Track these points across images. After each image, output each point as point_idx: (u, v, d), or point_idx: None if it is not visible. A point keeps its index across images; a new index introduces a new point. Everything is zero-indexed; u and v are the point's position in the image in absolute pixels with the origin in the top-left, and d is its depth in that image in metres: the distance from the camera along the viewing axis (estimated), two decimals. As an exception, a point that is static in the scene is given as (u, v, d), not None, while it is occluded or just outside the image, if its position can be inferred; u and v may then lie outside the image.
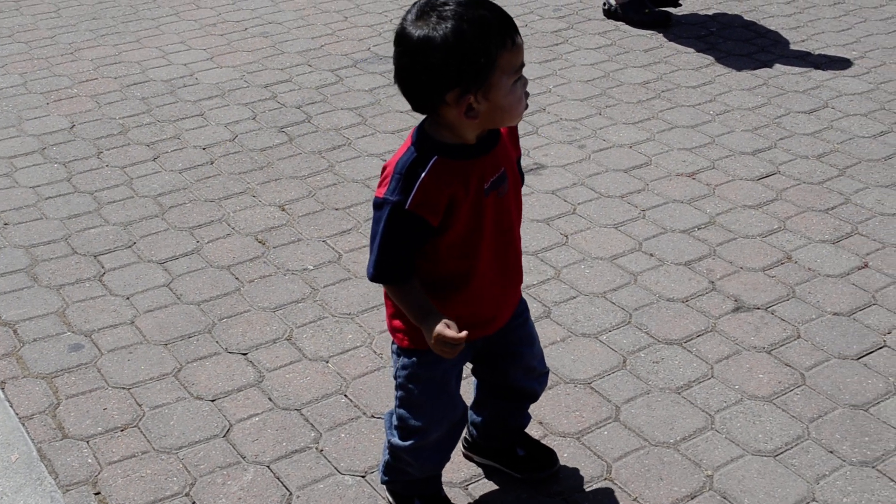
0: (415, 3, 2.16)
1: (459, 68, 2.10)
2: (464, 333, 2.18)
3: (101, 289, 3.58)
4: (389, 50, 5.42)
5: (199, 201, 4.11)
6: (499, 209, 2.29)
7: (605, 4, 5.86)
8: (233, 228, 3.92)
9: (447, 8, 2.10)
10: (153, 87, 5.14)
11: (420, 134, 2.23)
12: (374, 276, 2.27)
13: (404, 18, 2.15)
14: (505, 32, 2.12)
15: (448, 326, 2.19)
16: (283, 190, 4.17)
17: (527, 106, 2.22)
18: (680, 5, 5.98)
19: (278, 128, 4.69)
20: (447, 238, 2.26)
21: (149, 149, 4.53)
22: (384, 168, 2.24)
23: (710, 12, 5.92)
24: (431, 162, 2.18)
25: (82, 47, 5.65)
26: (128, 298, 3.52)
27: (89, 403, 3.05)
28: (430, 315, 2.23)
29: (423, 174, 2.17)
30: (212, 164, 4.40)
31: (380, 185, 2.23)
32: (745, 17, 5.82)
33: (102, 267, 3.70)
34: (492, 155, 2.26)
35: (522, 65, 2.17)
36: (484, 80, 2.11)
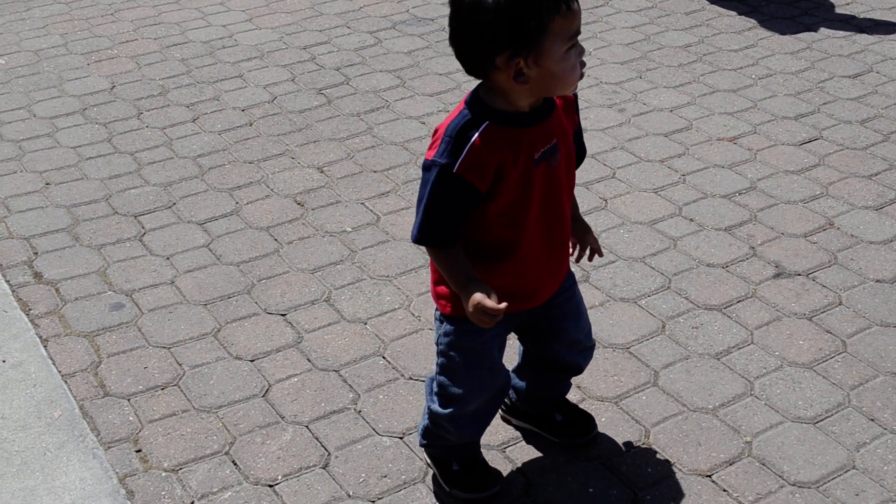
0: None
1: (509, 31, 2.08)
2: (503, 304, 2.18)
3: (141, 249, 3.60)
4: (429, 11, 5.41)
5: (238, 163, 4.12)
6: (549, 181, 2.27)
7: None
8: (272, 190, 3.92)
9: None
10: (192, 48, 5.15)
11: (474, 98, 2.22)
12: (418, 238, 2.26)
13: None
14: None
15: (487, 296, 2.19)
16: (322, 152, 4.17)
17: (582, 75, 2.18)
18: None
19: (317, 90, 4.68)
20: (495, 206, 2.24)
21: (188, 110, 4.54)
22: (436, 130, 2.23)
23: (754, -25, 5.84)
24: (483, 127, 2.17)
25: (122, 8, 5.66)
26: (168, 258, 3.54)
27: (130, 362, 3.08)
28: (471, 283, 2.23)
29: (473, 138, 2.16)
30: (251, 125, 4.40)
31: (430, 147, 2.22)
32: (789, -20, 5.74)
33: (143, 227, 3.72)
34: (545, 125, 2.24)
35: (578, 31, 2.13)
36: (535, 45, 2.09)
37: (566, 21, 2.10)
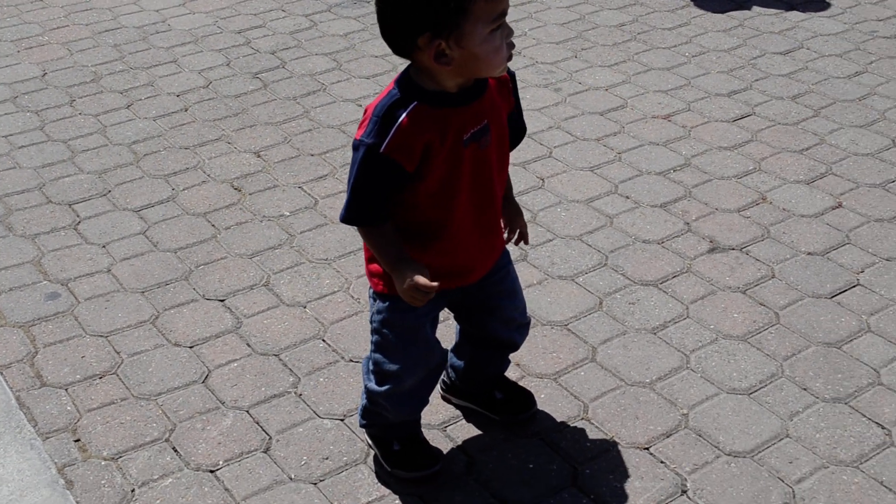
0: None
1: (429, 12, 2.08)
2: (436, 283, 2.20)
3: (76, 237, 3.57)
4: (363, -6, 5.40)
5: (173, 149, 4.09)
6: (478, 161, 2.28)
7: None
8: (208, 175, 3.90)
9: None
10: (125, 33, 5.09)
11: (404, 78, 2.22)
12: (346, 217, 2.27)
13: None
14: None
15: (421, 274, 2.20)
16: (259, 136, 4.15)
17: (510, 57, 2.18)
18: None
19: (252, 74, 4.66)
20: (424, 186, 2.25)
21: (122, 96, 4.50)
22: (365, 110, 2.23)
23: (686, -47, 5.89)
24: (411, 107, 2.17)
25: (52, -6, 5.58)
26: (104, 247, 3.51)
27: (67, 351, 3.05)
28: (401, 261, 2.25)
29: (401, 118, 2.17)
30: (186, 111, 4.37)
31: (359, 127, 2.22)
32: (721, -42, 5.79)
33: (77, 215, 3.68)
34: (474, 106, 2.24)
35: (504, 13, 2.13)
36: (455, 27, 2.09)
37: (489, 3, 2.09)
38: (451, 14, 2.08)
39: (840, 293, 3.21)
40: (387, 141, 2.16)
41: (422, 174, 2.23)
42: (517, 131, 2.42)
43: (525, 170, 3.84)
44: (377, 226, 2.27)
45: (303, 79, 4.60)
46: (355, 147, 2.21)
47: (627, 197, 3.70)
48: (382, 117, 2.17)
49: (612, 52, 4.77)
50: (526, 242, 2.58)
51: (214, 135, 4.18)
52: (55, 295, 3.29)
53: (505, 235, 2.54)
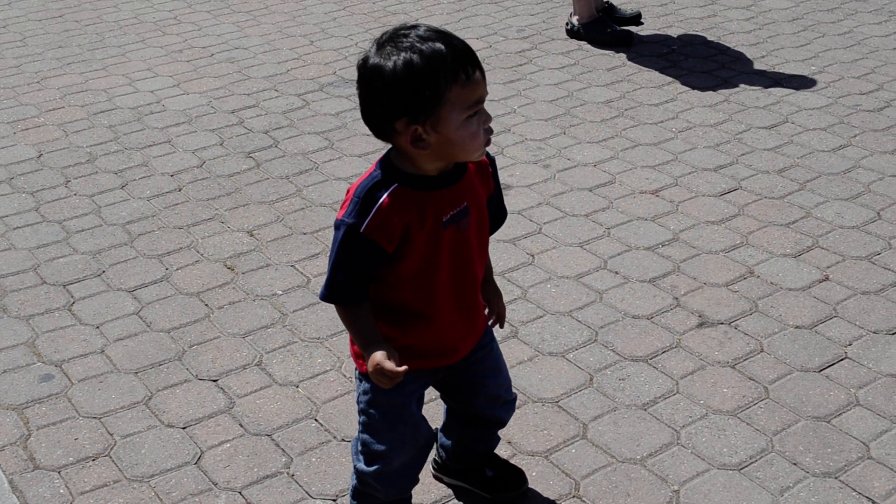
0: (382, 33, 2.22)
1: (406, 98, 2.14)
2: (403, 368, 2.22)
3: (70, 318, 3.59)
4: (355, 74, 5.47)
5: (167, 228, 4.13)
6: (458, 243, 2.32)
7: (567, 24, 5.93)
8: (202, 255, 3.94)
9: (405, 39, 2.15)
10: (120, 114, 5.16)
11: (384, 160, 2.28)
12: (325, 295, 2.31)
13: (369, 48, 2.21)
14: (459, 66, 2.14)
15: (388, 357, 2.23)
16: (252, 215, 4.20)
17: (488, 142, 2.24)
18: (642, 24, 6.07)
19: (245, 153, 4.72)
20: (404, 267, 2.29)
21: (117, 176, 4.55)
22: (348, 190, 2.29)
23: (671, 30, 6.00)
24: (391, 189, 2.22)
25: (49, 76, 5.66)
26: (97, 327, 3.54)
27: (60, 434, 3.07)
28: (373, 343, 2.28)
29: (381, 199, 2.21)
30: (180, 190, 4.42)
31: (341, 207, 2.27)
32: (706, 34, 5.90)
33: (72, 296, 3.71)
34: (453, 189, 2.29)
35: (480, 100, 2.18)
36: (431, 112, 2.14)
37: (465, 90, 2.15)
38: (427, 100, 2.13)
39: (828, 367, 3.23)
40: (367, 221, 2.21)
41: (401, 255, 2.27)
42: (498, 216, 2.47)
43: (515, 246, 3.89)
44: (354, 305, 2.31)
45: (295, 158, 4.66)
46: (336, 226, 2.26)
47: (616, 272, 3.74)
48: (363, 198, 2.23)
49: (600, 128, 4.84)
50: (501, 326, 2.61)
51: (208, 214, 4.22)
52: (49, 377, 3.31)
53: (489, 318, 2.58)
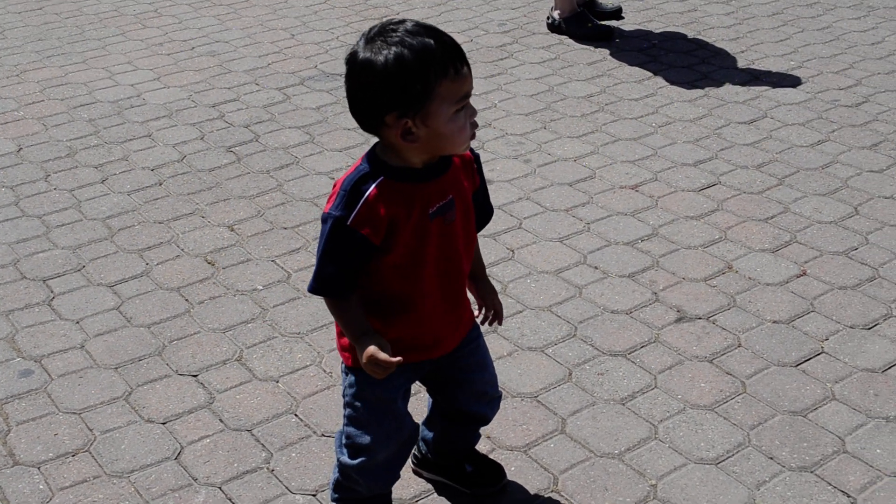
0: (370, 28, 2.24)
1: (396, 93, 2.16)
2: (397, 358, 2.25)
3: (50, 313, 3.59)
4: (336, 67, 5.49)
5: (148, 223, 4.13)
6: (445, 235, 2.34)
7: (548, 18, 5.94)
8: (182, 250, 3.94)
9: (394, 34, 2.17)
10: (100, 108, 5.15)
11: (371, 154, 2.30)
12: (314, 287, 2.32)
13: (357, 42, 2.23)
14: (448, 61, 2.17)
15: (381, 348, 2.25)
16: (232, 210, 4.20)
17: (473, 136, 2.26)
18: (623, 18, 6.09)
19: (226, 147, 4.72)
20: (390, 259, 2.31)
21: (97, 171, 4.54)
22: (334, 185, 2.30)
23: (652, 25, 6.02)
24: (377, 181, 2.24)
25: (28, 69, 5.65)
26: (77, 322, 3.54)
27: (40, 429, 3.06)
28: (365, 334, 2.29)
29: (367, 192, 2.23)
30: (160, 185, 4.42)
31: (328, 201, 2.29)
32: (686, 29, 5.92)
33: (52, 291, 3.71)
34: (439, 181, 2.31)
35: (468, 94, 2.22)
36: (421, 106, 2.17)
37: (454, 84, 2.18)
38: (418, 94, 2.16)
39: (805, 361, 3.26)
40: (353, 214, 2.23)
41: (388, 247, 2.29)
42: (484, 213, 2.49)
43: (495, 241, 3.90)
44: (343, 298, 2.32)
45: (276, 152, 4.66)
46: (323, 220, 2.28)
47: (596, 267, 3.76)
48: (350, 191, 2.24)
49: (581, 123, 4.86)
50: (500, 323, 2.62)
51: (188, 209, 4.22)
52: (28, 372, 3.30)
53: (479, 315, 2.59)
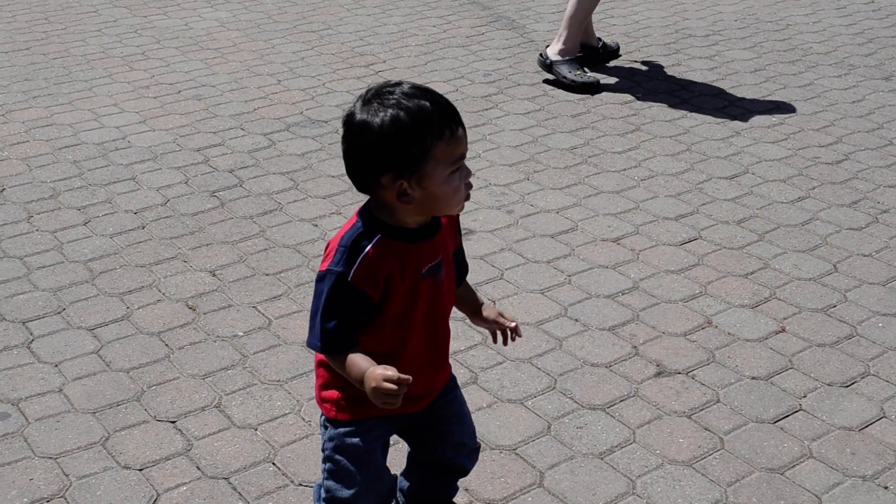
0: (367, 89, 2.28)
1: (393, 155, 2.19)
2: (407, 377, 2.21)
3: (29, 356, 3.57)
4: (322, 114, 5.52)
5: (129, 266, 4.12)
6: (434, 295, 2.37)
7: (542, 55, 5.98)
8: (163, 294, 3.94)
9: (391, 97, 2.22)
10: (85, 150, 5.15)
11: (365, 211, 2.33)
12: (318, 347, 2.32)
13: (354, 104, 2.27)
14: (444, 123, 2.21)
15: (387, 369, 2.23)
16: (215, 255, 4.20)
17: (468, 197, 2.29)
18: (619, 56, 6.22)
19: (210, 192, 4.72)
20: (384, 318, 2.33)
21: (80, 213, 4.54)
22: (328, 245, 2.33)
23: (636, 78, 6.08)
24: (375, 239, 2.28)
25: (14, 109, 5.65)
26: (56, 366, 3.52)
27: (15, 474, 3.04)
28: (370, 367, 2.27)
29: (367, 249, 2.26)
30: (143, 228, 4.42)
31: (324, 259, 2.31)
32: (670, 84, 5.98)
33: (31, 334, 3.69)
34: (431, 242, 2.35)
35: (462, 155, 2.25)
36: (417, 169, 2.20)
37: (449, 147, 2.21)
38: (414, 157, 2.19)
39: (783, 418, 3.27)
40: (354, 269, 2.26)
41: (383, 305, 2.30)
42: (462, 269, 2.52)
43: (477, 291, 3.90)
44: (348, 353, 2.31)
45: (260, 198, 4.67)
46: (321, 278, 2.29)
47: (576, 320, 3.77)
48: (350, 247, 2.27)
49: (564, 174, 4.89)
50: (519, 335, 2.61)
51: (171, 253, 4.22)
52: (5, 415, 3.28)
53: (500, 338, 2.59)
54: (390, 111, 2.19)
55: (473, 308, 2.59)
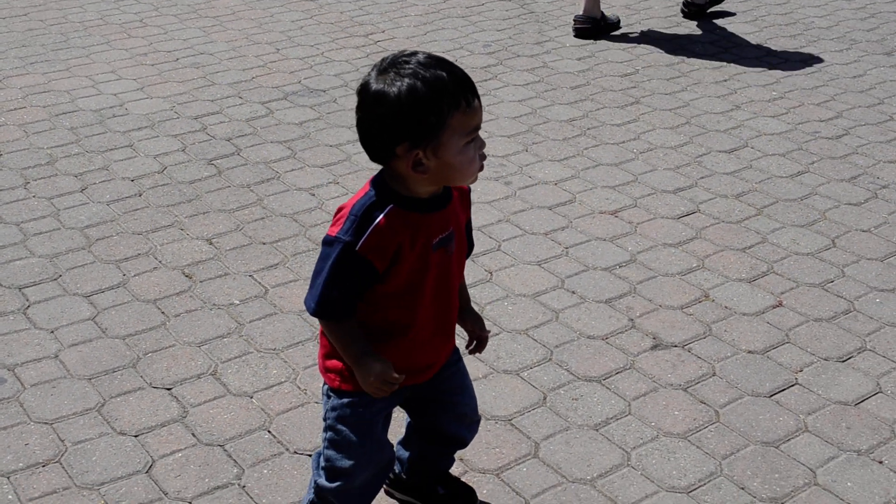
0: (382, 59, 2.26)
1: (409, 124, 2.18)
2: (402, 376, 2.30)
3: (25, 322, 3.57)
4: (320, 83, 5.49)
5: (126, 234, 4.11)
6: (443, 266, 2.37)
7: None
8: (160, 262, 3.93)
9: (407, 66, 2.20)
10: (82, 116, 5.13)
11: (379, 181, 2.31)
12: (316, 311, 2.31)
13: (369, 73, 2.25)
14: (460, 93, 2.19)
15: (386, 367, 2.29)
16: (211, 223, 4.19)
17: (482, 167, 2.28)
18: (620, 28, 6.32)
19: (207, 160, 4.71)
20: (387, 287, 2.32)
21: (77, 179, 4.52)
22: (340, 208, 2.31)
23: (636, 50, 6.05)
24: (387, 209, 2.26)
25: (11, 75, 5.62)
26: (52, 332, 3.52)
27: (11, 438, 3.04)
28: (366, 354, 2.31)
29: (378, 219, 2.25)
30: (140, 196, 4.40)
31: (333, 224, 2.29)
32: (670, 56, 5.96)
33: (27, 300, 3.69)
34: (442, 213, 2.34)
35: (478, 126, 2.23)
36: (433, 138, 2.18)
37: (466, 117, 2.19)
38: (431, 126, 2.17)
39: (779, 392, 3.27)
40: (363, 240, 2.25)
41: (388, 276, 2.30)
42: (469, 245, 2.51)
43: (474, 263, 3.91)
44: (345, 321, 2.32)
45: (257, 166, 4.65)
46: (329, 242, 2.28)
47: (573, 292, 3.77)
48: (360, 217, 2.26)
49: (562, 146, 4.88)
50: (480, 352, 2.63)
51: (167, 221, 4.21)
52: (1, 380, 3.28)
53: (471, 345, 2.61)
54: (407, 80, 2.17)
55: (462, 303, 2.57)
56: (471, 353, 2.61)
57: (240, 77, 5.62)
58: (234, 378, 3.31)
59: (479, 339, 2.60)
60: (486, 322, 3.54)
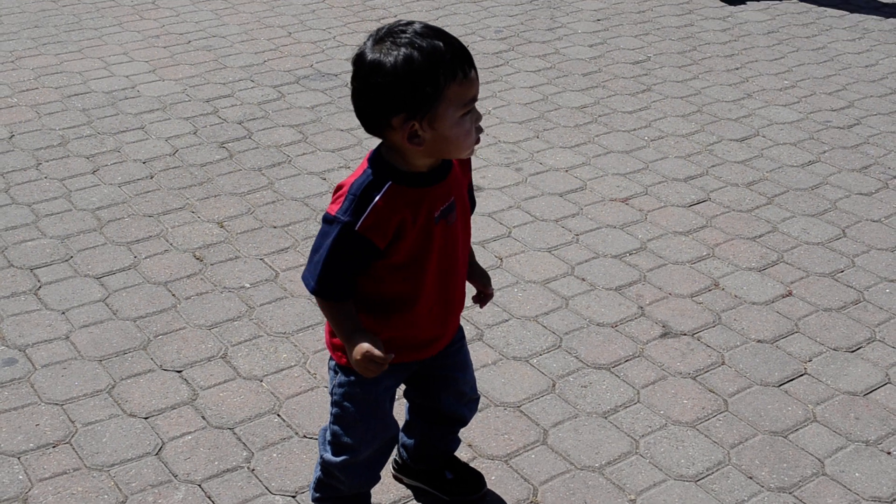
0: (378, 29, 2.23)
1: (405, 94, 2.15)
2: (390, 355, 2.26)
3: (36, 303, 3.58)
4: (332, 67, 5.49)
5: (137, 216, 4.12)
6: (446, 236, 2.35)
7: None
8: (171, 244, 3.94)
9: (403, 35, 2.16)
10: (94, 98, 5.14)
11: (376, 156, 2.29)
12: (316, 290, 2.31)
13: (364, 43, 2.21)
14: (457, 64, 2.16)
15: (374, 346, 2.25)
16: (222, 206, 4.20)
17: (478, 140, 2.26)
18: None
19: (219, 143, 4.71)
20: (391, 261, 2.31)
21: (88, 161, 4.53)
22: (340, 186, 2.29)
23: (648, 38, 6.04)
24: (385, 187, 2.24)
25: (23, 56, 5.63)
26: (63, 313, 3.53)
27: (22, 419, 3.06)
28: (356, 332, 2.29)
29: (376, 198, 2.23)
30: (151, 178, 4.41)
31: (333, 202, 2.28)
32: (682, 44, 5.94)
33: (38, 280, 3.70)
34: (443, 184, 2.32)
35: (475, 98, 2.21)
36: (429, 109, 2.16)
37: (462, 88, 2.17)
38: (427, 97, 2.15)
39: (787, 382, 3.28)
40: (362, 220, 2.23)
41: (391, 251, 2.29)
42: (471, 204, 2.50)
43: (484, 249, 3.91)
44: (343, 301, 2.32)
45: (269, 150, 4.66)
46: (328, 221, 2.26)
47: (583, 279, 3.77)
48: (359, 196, 2.24)
49: (573, 133, 4.87)
50: (482, 306, 2.63)
51: (178, 203, 4.22)
52: (12, 361, 3.30)
53: (480, 302, 2.60)
54: (403, 50, 2.14)
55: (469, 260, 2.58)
56: (475, 302, 2.60)
57: (252, 60, 5.61)
58: (244, 361, 3.32)
59: (484, 296, 2.60)
60: (496, 308, 3.56)
